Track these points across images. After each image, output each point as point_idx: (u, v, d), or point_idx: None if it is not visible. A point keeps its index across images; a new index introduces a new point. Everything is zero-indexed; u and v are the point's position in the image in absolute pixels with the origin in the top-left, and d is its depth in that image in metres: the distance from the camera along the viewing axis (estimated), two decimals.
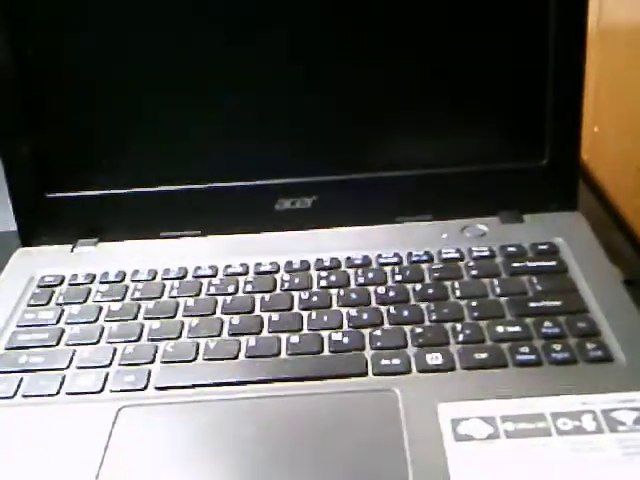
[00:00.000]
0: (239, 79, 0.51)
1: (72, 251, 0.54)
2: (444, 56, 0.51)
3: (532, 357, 0.41)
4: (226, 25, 0.50)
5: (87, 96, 0.52)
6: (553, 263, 0.48)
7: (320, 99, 0.52)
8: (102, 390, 0.42)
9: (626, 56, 0.61)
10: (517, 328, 0.43)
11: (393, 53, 0.51)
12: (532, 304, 0.45)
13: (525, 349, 0.42)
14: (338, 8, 0.50)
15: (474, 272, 0.48)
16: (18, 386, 0.42)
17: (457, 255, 0.50)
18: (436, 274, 0.48)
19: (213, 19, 0.50)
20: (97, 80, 0.51)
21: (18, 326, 0.47)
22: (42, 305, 0.49)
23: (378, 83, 0.51)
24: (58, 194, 0.53)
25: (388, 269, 0.49)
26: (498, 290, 0.46)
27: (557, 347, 0.42)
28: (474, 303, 0.45)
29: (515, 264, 0.48)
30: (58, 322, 0.47)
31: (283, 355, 0.43)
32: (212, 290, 0.49)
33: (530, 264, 0.48)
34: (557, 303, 0.45)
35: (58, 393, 0.42)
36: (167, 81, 0.51)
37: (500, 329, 0.43)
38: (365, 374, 0.42)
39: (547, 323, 0.43)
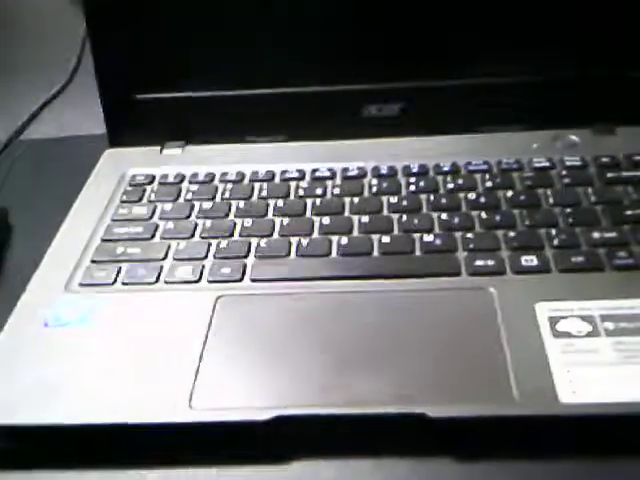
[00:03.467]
0: None
1: (161, 152, 0.54)
2: None
3: (630, 261, 0.41)
4: None
5: None
6: None
7: (410, 2, 0.51)
8: (200, 280, 0.43)
9: None
10: (614, 234, 0.43)
11: None
12: (628, 212, 0.44)
13: (623, 254, 0.41)
14: None
15: (567, 180, 0.47)
16: (117, 274, 0.43)
17: (548, 164, 0.49)
18: (528, 182, 0.48)
19: None
20: None
21: (113, 220, 0.48)
22: (135, 201, 0.49)
23: None
24: (147, 95, 0.53)
25: (478, 176, 0.49)
26: (593, 198, 0.46)
27: None
28: (568, 210, 0.45)
29: (610, 174, 0.47)
30: (152, 217, 0.48)
31: (375, 254, 0.44)
32: (300, 192, 0.49)
33: (625, 174, 0.47)
34: None
35: (157, 281, 0.43)
36: None
37: (596, 235, 0.43)
38: (459, 274, 0.42)
39: None
